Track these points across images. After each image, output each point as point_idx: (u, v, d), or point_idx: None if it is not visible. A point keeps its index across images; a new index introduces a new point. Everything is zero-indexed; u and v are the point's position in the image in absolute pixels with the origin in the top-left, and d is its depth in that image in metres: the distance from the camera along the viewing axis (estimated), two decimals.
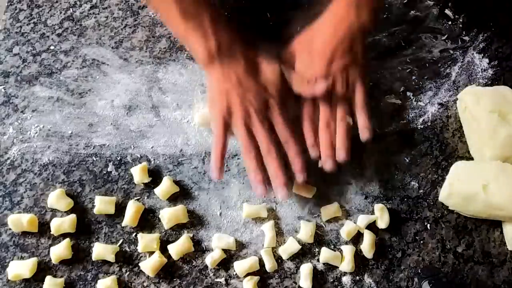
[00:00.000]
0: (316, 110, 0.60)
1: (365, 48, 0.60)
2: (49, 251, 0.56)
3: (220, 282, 0.57)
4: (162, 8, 0.58)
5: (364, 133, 0.58)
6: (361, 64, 0.59)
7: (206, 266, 0.57)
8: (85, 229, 0.58)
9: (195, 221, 0.59)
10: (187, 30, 0.56)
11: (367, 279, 0.58)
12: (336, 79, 0.58)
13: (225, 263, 0.57)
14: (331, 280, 0.58)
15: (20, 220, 0.56)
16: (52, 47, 0.67)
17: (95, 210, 0.58)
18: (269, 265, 0.57)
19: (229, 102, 0.56)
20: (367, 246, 0.58)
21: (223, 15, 0.60)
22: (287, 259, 0.58)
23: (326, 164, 0.58)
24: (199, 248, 0.58)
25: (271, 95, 0.57)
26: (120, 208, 0.58)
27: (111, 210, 0.58)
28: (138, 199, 0.59)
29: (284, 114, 0.57)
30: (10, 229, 0.57)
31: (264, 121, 0.56)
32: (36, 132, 0.62)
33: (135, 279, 0.56)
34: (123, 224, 0.58)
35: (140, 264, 0.56)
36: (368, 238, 0.58)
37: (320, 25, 0.60)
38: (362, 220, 0.59)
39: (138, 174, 0.59)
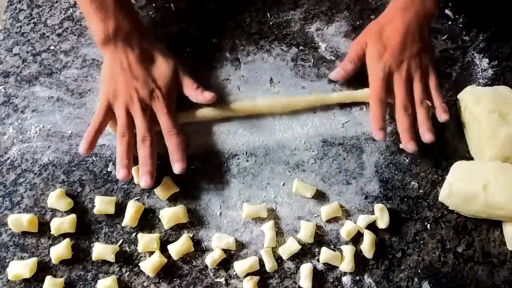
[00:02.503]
0: (384, 95, 0.61)
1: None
2: (49, 251, 0.56)
3: (220, 282, 0.57)
4: None
5: (443, 114, 0.61)
6: (431, 49, 0.64)
7: (206, 266, 0.57)
8: (85, 229, 0.58)
9: (195, 221, 0.59)
10: (90, 10, 0.58)
11: (367, 279, 0.58)
12: (410, 65, 0.62)
13: (225, 263, 0.57)
14: (331, 280, 0.58)
15: (20, 220, 0.56)
16: (52, 47, 0.67)
17: (95, 210, 0.58)
18: (269, 265, 0.57)
19: (116, 86, 0.58)
20: (367, 246, 0.58)
21: (129, 1, 0.64)
22: (287, 259, 0.58)
23: (409, 146, 0.60)
24: (199, 248, 0.58)
25: (159, 87, 0.59)
26: (120, 208, 0.59)
27: (111, 210, 0.58)
28: (138, 199, 0.59)
29: (168, 106, 0.59)
30: (10, 229, 0.57)
31: (146, 110, 0.58)
32: (36, 132, 0.62)
33: (135, 279, 0.56)
34: (123, 224, 0.58)
35: (140, 264, 0.56)
36: (368, 238, 0.58)
37: (388, 14, 0.64)
38: (362, 220, 0.59)
39: (138, 174, 0.59)
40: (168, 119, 0.58)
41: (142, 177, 0.57)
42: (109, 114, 0.58)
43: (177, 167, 0.57)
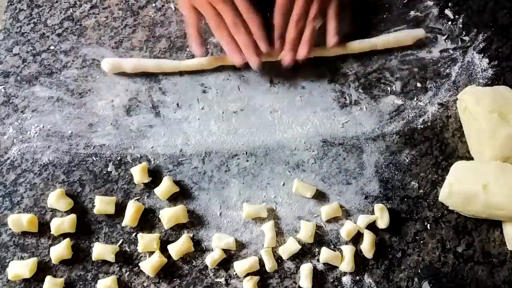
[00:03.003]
0: (289, 5, 0.63)
1: None
2: (49, 251, 0.56)
3: (220, 282, 0.57)
4: None
5: (332, 38, 0.64)
6: None
7: (206, 266, 0.57)
8: (85, 229, 0.58)
9: (195, 221, 0.59)
10: None
11: (367, 279, 0.58)
12: None
13: (225, 263, 0.57)
14: (331, 280, 0.58)
15: (20, 220, 0.56)
16: (52, 47, 0.67)
17: (95, 210, 0.58)
18: (269, 265, 0.57)
19: None
20: (367, 246, 0.58)
21: None
22: (287, 259, 0.58)
23: (286, 57, 0.63)
24: (199, 248, 0.58)
25: None
26: (120, 208, 0.59)
27: (111, 210, 0.58)
28: (138, 199, 0.59)
29: None
30: (10, 229, 0.57)
31: (228, 1, 0.61)
32: (36, 132, 0.62)
33: (135, 279, 0.56)
34: (123, 224, 0.58)
35: (140, 264, 0.56)
36: (368, 238, 0.58)
37: None
38: (362, 220, 0.59)
39: (138, 174, 0.59)
40: (245, 5, 0.61)
41: (250, 59, 0.61)
42: (197, 13, 0.62)
43: (262, 46, 0.61)
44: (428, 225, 0.61)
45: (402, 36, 0.68)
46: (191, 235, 0.58)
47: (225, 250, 0.57)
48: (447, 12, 0.72)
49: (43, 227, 0.58)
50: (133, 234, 0.58)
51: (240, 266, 0.56)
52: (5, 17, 0.69)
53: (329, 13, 0.65)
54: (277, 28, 0.63)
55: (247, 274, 0.56)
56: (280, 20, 0.63)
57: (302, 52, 0.63)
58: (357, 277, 0.58)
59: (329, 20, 0.65)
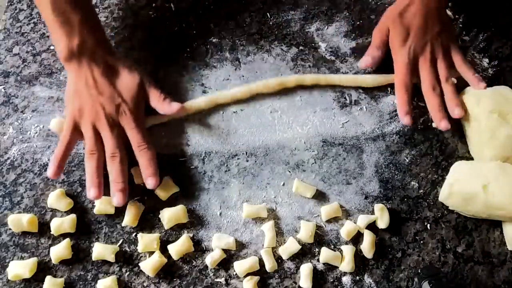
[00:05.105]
0: (408, 81, 0.63)
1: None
2: (49, 251, 0.56)
3: (220, 282, 0.57)
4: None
5: (480, 84, 0.62)
6: (452, 28, 0.68)
7: (206, 266, 0.57)
8: (85, 229, 0.58)
9: (195, 221, 0.59)
10: (55, 24, 0.56)
11: (367, 279, 0.58)
12: (433, 46, 0.64)
13: (225, 263, 0.57)
14: (331, 280, 0.58)
15: (20, 220, 0.56)
16: (52, 47, 0.67)
17: (95, 210, 0.58)
18: (269, 265, 0.57)
19: (81, 103, 0.57)
20: (367, 246, 0.58)
21: (95, 16, 0.61)
22: (287, 259, 0.58)
23: (442, 124, 0.61)
24: (199, 248, 0.58)
25: (125, 101, 0.58)
26: (120, 208, 0.58)
27: (111, 210, 0.58)
28: (138, 199, 0.59)
29: (136, 120, 0.58)
30: (10, 229, 0.57)
31: (114, 126, 0.57)
32: (36, 132, 0.62)
33: (135, 279, 0.56)
34: (123, 224, 0.58)
35: (140, 264, 0.56)
36: (368, 238, 0.58)
37: None
38: (362, 220, 0.59)
39: (138, 174, 0.59)
40: (137, 134, 0.57)
41: (114, 196, 0.55)
42: (76, 133, 0.57)
43: (149, 182, 0.56)
44: (428, 225, 0.61)
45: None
46: (191, 235, 0.58)
47: (225, 250, 0.57)
48: (447, 12, 0.72)
49: (43, 227, 0.57)
50: (133, 234, 0.58)
51: (240, 266, 0.56)
52: (5, 17, 0.69)
53: (457, 63, 0.64)
54: (402, 105, 0.62)
55: (247, 274, 0.56)
56: (404, 96, 0.62)
57: (457, 111, 0.61)
58: (357, 277, 0.58)
59: (462, 69, 0.64)
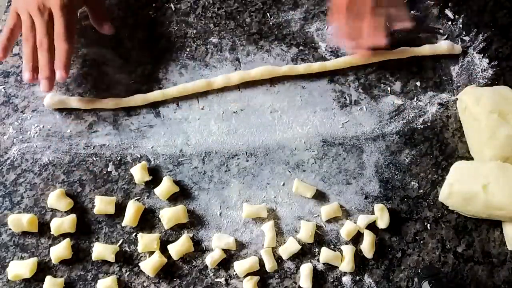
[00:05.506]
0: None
1: None
2: (49, 251, 0.56)
3: (220, 282, 0.57)
4: None
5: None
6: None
7: (206, 266, 0.57)
8: (85, 229, 0.58)
9: (195, 221, 0.59)
10: None
11: (367, 279, 0.58)
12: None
13: (225, 263, 0.57)
14: (331, 280, 0.58)
15: (20, 220, 0.56)
16: None
17: (95, 210, 0.58)
18: (269, 265, 0.57)
19: None
20: (367, 246, 0.58)
21: None
22: (287, 259, 0.58)
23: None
24: (199, 248, 0.58)
25: None
26: (120, 208, 0.58)
27: (111, 210, 0.58)
28: (138, 199, 0.59)
29: (64, 9, 0.57)
30: (10, 229, 0.57)
31: (44, 12, 0.57)
32: (36, 132, 0.62)
33: (135, 279, 0.56)
34: (123, 224, 0.58)
35: (140, 264, 0.56)
36: (368, 238, 0.58)
37: None
38: (362, 220, 0.59)
39: (139, 172, 0.59)
40: (62, 23, 0.57)
41: (41, 82, 0.57)
42: (18, 20, 0.59)
43: (58, 74, 0.57)
44: (428, 225, 0.61)
45: (440, 46, 0.68)
46: (191, 235, 0.58)
47: (225, 250, 0.57)
48: (447, 12, 0.72)
49: (43, 227, 0.57)
50: (133, 234, 0.58)
51: (240, 266, 0.56)
52: (5, 17, 0.69)
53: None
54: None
55: (247, 274, 0.56)
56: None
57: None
58: (357, 277, 0.58)
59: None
